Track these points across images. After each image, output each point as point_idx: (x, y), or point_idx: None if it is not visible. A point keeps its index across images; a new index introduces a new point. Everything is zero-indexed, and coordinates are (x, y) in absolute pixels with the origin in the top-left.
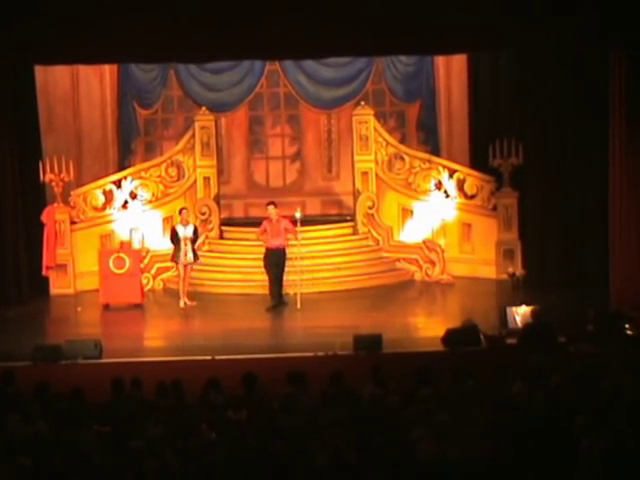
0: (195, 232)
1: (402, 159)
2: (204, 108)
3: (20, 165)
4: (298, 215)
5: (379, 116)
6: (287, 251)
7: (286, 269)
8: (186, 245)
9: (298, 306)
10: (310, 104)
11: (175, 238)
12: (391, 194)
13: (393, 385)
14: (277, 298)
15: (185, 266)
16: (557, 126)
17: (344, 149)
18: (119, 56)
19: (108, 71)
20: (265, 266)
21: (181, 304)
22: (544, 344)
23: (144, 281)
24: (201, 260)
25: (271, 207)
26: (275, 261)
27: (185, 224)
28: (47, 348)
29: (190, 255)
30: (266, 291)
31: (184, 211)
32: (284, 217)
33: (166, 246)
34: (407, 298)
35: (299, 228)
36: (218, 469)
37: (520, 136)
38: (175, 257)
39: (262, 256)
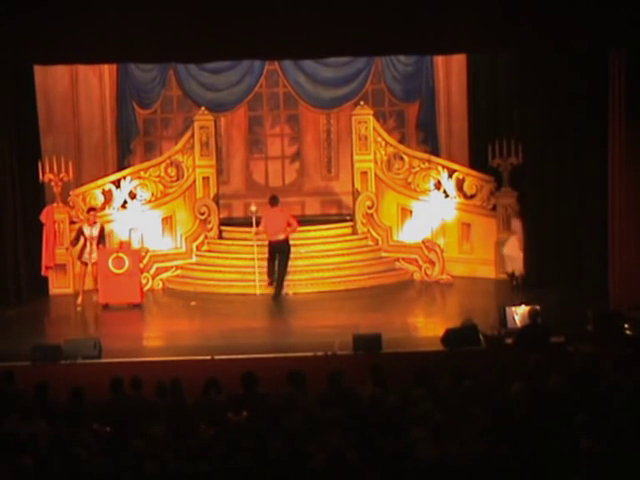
0: (102, 232)
1: (401, 159)
2: (203, 108)
3: (19, 165)
4: (253, 209)
5: (378, 116)
6: (290, 243)
7: (290, 262)
8: (92, 244)
9: (297, 306)
10: (309, 104)
11: (80, 238)
12: (390, 194)
13: (392, 385)
14: (276, 296)
15: (86, 265)
16: (557, 126)
17: (343, 149)
18: (119, 56)
19: (107, 71)
20: (269, 260)
21: (78, 301)
22: (539, 345)
23: (143, 281)
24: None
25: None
26: (278, 252)
27: (92, 224)
28: (46, 348)
29: (94, 254)
30: (266, 291)
31: (92, 212)
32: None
33: (166, 246)
34: (406, 298)
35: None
36: (217, 470)
37: (519, 136)
38: (82, 256)
39: (264, 256)
